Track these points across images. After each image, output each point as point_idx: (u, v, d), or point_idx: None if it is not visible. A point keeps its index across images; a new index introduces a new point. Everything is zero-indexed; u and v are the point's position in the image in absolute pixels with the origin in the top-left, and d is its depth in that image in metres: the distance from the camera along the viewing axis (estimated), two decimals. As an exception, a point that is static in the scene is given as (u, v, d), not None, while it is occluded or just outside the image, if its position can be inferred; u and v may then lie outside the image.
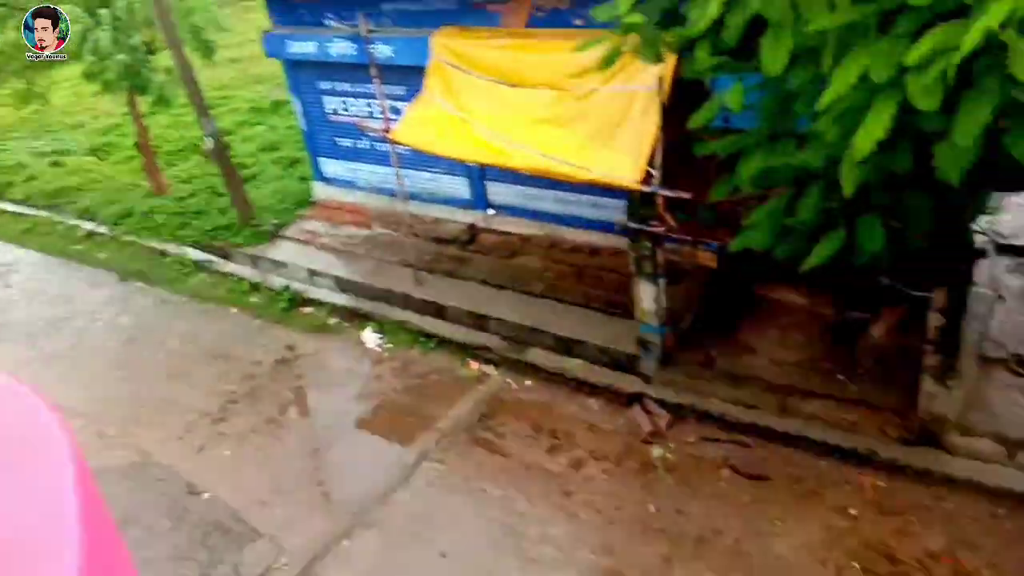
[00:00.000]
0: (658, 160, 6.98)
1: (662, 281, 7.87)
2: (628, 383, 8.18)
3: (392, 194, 10.72)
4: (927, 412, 6.76)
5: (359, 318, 10.18)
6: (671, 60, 6.55)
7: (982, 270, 7.95)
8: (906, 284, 6.98)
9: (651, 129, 6.95)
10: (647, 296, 7.95)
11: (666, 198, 7.13)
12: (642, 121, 7.07)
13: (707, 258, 7.97)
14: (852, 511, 6.46)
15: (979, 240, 8.02)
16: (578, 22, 8.04)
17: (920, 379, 6.78)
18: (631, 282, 8.06)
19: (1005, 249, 8.48)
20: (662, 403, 7.85)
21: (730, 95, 5.01)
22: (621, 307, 8.59)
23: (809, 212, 5.15)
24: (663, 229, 7.39)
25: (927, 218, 5.44)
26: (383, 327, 9.92)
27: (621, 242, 8.33)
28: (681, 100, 6.64)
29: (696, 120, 5.40)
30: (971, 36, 2.96)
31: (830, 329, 8.03)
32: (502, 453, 7.73)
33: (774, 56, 4.01)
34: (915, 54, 3.16)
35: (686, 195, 6.95)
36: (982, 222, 8.17)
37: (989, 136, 3.54)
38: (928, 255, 6.14)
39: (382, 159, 10.88)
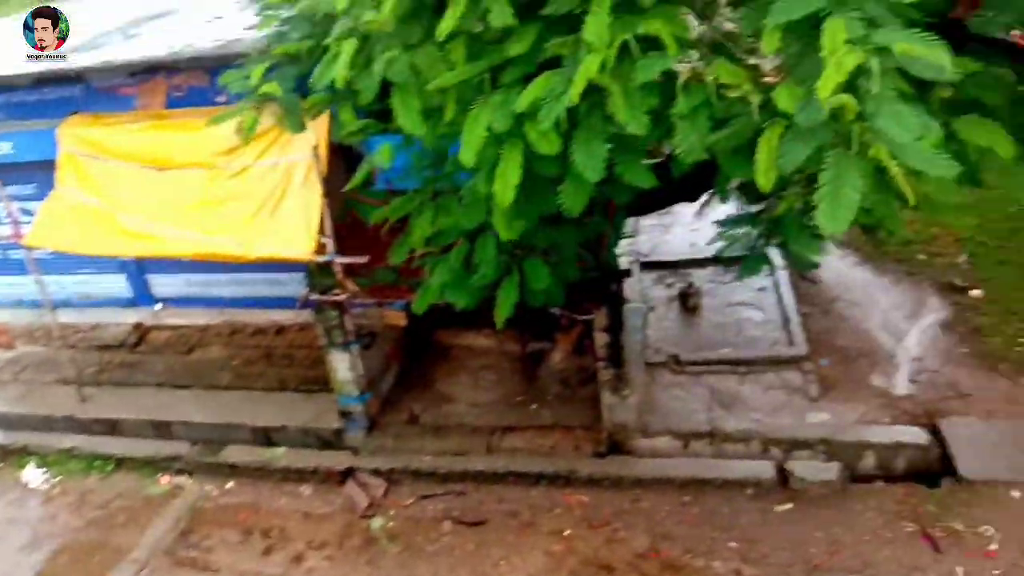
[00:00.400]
0: (328, 228, 6.91)
1: (355, 348, 7.76)
2: (337, 460, 7.89)
3: (37, 305, 9.40)
4: (611, 423, 7.39)
5: (15, 455, 8.72)
6: (323, 127, 6.58)
7: (632, 287, 8.95)
8: (573, 310, 7.62)
9: (316, 199, 6.87)
10: (342, 366, 7.79)
11: (344, 264, 7.08)
12: (305, 192, 6.95)
13: (396, 317, 8.05)
14: (566, 532, 6.78)
15: (624, 261, 9.04)
16: (221, 99, 7.75)
17: (600, 394, 7.42)
18: (324, 355, 7.85)
19: (647, 265, 9.65)
20: (375, 472, 7.68)
21: (378, 154, 5.12)
22: (319, 383, 8.31)
23: (487, 265, 5.40)
24: (345, 296, 7.31)
25: (575, 250, 6.01)
26: (47, 460, 8.58)
27: (308, 316, 8.10)
28: (345, 166, 6.69)
29: (352, 184, 5.44)
30: (578, 83, 3.32)
31: (518, 363, 8.50)
32: (211, 568, 7.00)
33: (408, 116, 4.18)
34: (524, 101, 3.47)
35: (362, 259, 6.96)
36: (624, 245, 9.24)
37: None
38: (584, 282, 6.79)
39: (18, 268, 9.51)
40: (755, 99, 3.40)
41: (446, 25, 3.75)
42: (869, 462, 7.09)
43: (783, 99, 3.39)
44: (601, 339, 7.25)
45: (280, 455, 8.09)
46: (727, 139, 3.54)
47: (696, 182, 6.04)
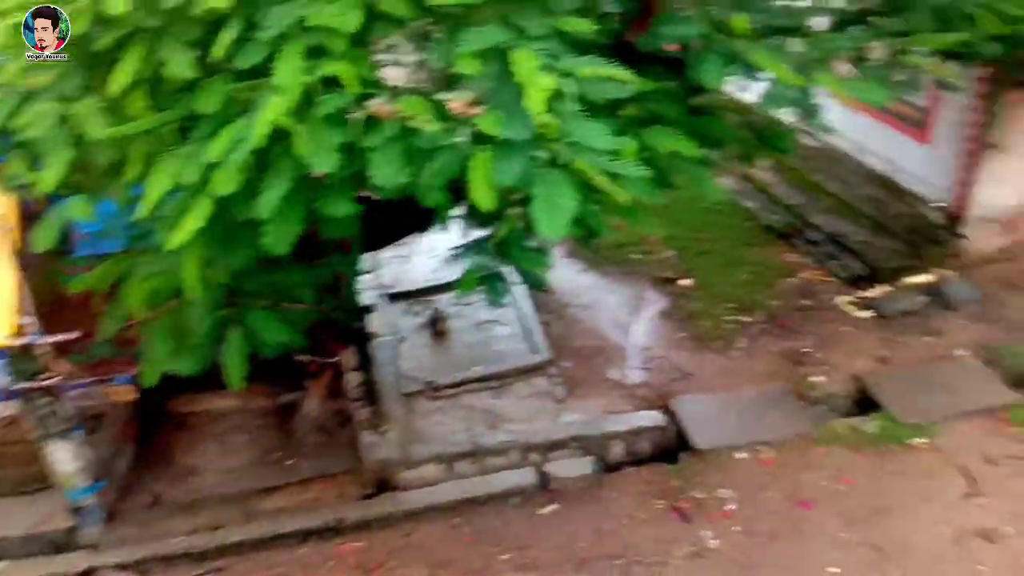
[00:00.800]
0: (29, 306, 6.13)
1: (78, 434, 6.93)
2: (73, 562, 6.96)
3: None
4: (374, 462, 7.27)
5: None
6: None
7: (381, 321, 8.92)
8: (321, 353, 7.41)
9: (9, 275, 6.06)
10: (64, 457, 6.90)
11: (54, 344, 6.31)
12: (-6, 268, 6.11)
13: (124, 392, 7.31)
14: (342, 584, 6.58)
15: (369, 296, 9.00)
16: None
17: (359, 435, 7.28)
18: (42, 448, 6.92)
19: (393, 297, 9.65)
20: (120, 567, 6.88)
21: (73, 208, 4.64)
22: (42, 480, 7.30)
23: (202, 323, 5.05)
24: (57, 379, 6.51)
25: (311, 293, 5.85)
26: None
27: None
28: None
29: (38, 248, 4.89)
30: (260, 126, 3.25)
31: (269, 419, 8.09)
32: None
33: (52, 172, 3.85)
34: (214, 150, 3.34)
35: (72, 336, 6.25)
36: (367, 280, 9.19)
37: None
38: (329, 323, 6.63)
39: None
40: (437, 128, 3.54)
41: (122, 78, 3.52)
42: (618, 450, 7.63)
43: (488, 124, 3.58)
44: (353, 379, 7.13)
45: (0, 571, 7.00)
46: (438, 170, 3.65)
47: (425, 213, 6.17)
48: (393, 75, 5.45)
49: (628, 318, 9.27)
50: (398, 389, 8.09)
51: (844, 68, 5.19)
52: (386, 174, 3.51)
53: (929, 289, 9.19)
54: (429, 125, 3.47)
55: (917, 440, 7.32)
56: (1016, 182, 9.29)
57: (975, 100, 8.81)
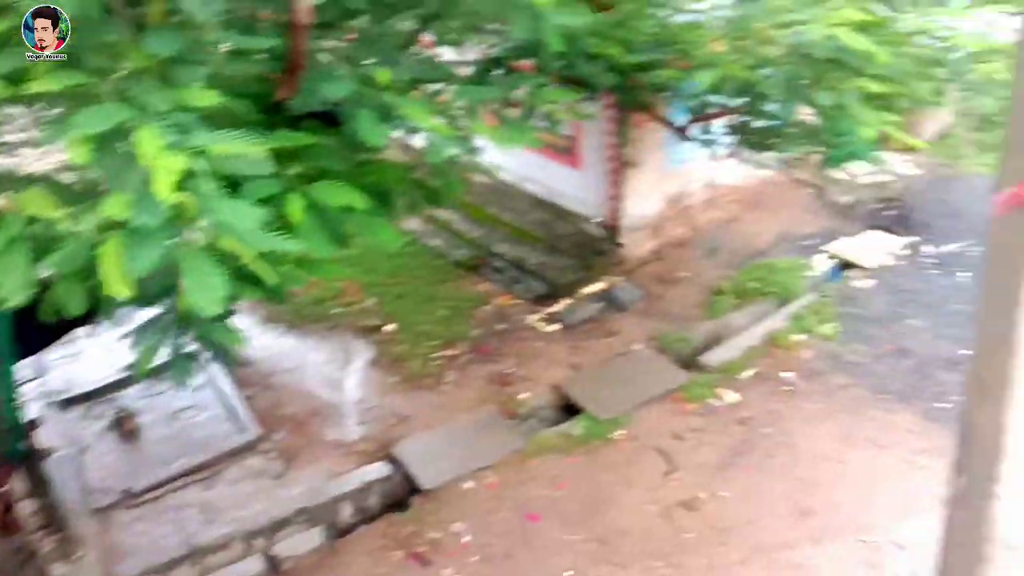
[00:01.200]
0: None
1: None
2: None
3: None
4: (66, 596, 6.34)
5: None
6: None
7: (54, 432, 7.83)
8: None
9: None
10: None
11: None
12: None
13: None
14: None
15: (35, 408, 7.90)
16: None
17: (46, 569, 6.29)
18: None
19: (68, 403, 8.48)
20: None
21: None
22: None
23: None
24: None
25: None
26: None
27: None
28: None
29: None
30: None
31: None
32: None
33: None
34: None
35: None
36: (31, 389, 8.07)
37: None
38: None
39: None
40: (60, 216, 3.22)
41: None
42: (348, 512, 7.43)
43: (113, 208, 3.29)
44: (28, 507, 6.16)
45: None
46: (62, 263, 3.27)
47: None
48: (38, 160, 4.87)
49: (338, 374, 9.11)
50: (88, 506, 7.08)
51: (492, 115, 5.58)
52: (14, 282, 3.07)
53: (602, 295, 10.23)
54: (52, 214, 3.11)
55: (616, 432, 8.05)
56: (653, 192, 10.72)
57: (609, 126, 10.01)
